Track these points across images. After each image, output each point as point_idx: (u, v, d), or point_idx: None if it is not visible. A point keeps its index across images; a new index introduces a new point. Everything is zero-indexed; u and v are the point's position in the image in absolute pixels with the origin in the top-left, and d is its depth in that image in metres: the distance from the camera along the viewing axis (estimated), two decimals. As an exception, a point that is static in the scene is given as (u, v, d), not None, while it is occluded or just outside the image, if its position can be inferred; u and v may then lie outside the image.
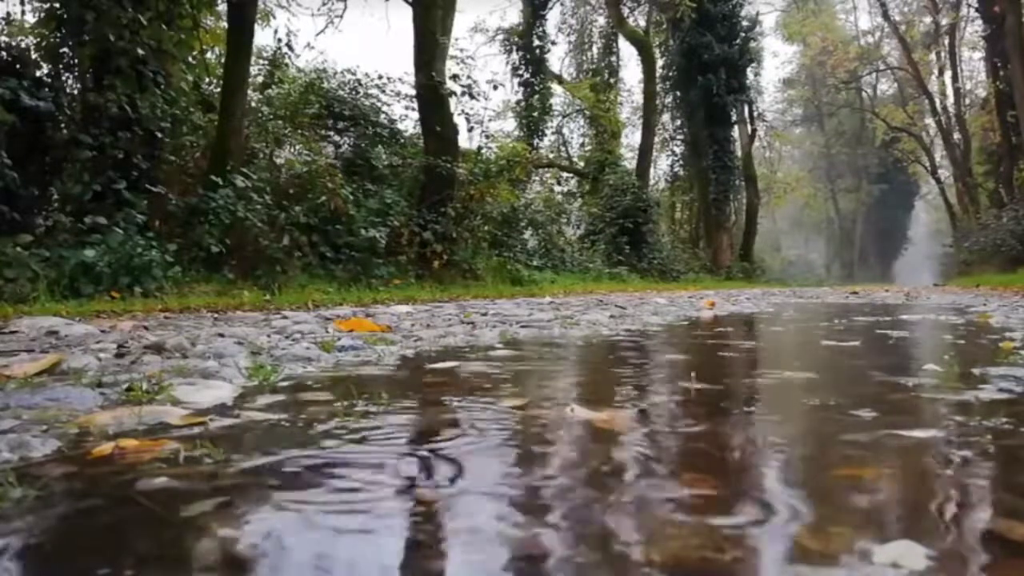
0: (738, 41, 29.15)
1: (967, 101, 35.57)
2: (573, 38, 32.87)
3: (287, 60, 14.86)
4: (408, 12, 13.76)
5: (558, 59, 32.78)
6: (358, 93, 14.68)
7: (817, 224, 63.03)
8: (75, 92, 8.69)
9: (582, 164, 28.54)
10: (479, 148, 15.32)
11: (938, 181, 40.65)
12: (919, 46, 36.38)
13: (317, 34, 37.06)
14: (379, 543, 0.87)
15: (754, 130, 35.01)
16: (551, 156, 28.90)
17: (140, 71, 8.42)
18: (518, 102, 26.80)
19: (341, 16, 18.61)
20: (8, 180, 7.12)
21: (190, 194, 9.33)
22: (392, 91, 15.15)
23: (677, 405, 1.87)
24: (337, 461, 1.22)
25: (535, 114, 26.11)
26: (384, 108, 14.99)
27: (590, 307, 7.16)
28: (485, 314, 5.76)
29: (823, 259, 63.87)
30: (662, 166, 34.86)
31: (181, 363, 2.34)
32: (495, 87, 16.48)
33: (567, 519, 0.94)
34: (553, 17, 30.07)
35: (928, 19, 36.63)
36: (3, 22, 9.15)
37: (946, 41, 35.04)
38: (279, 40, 14.75)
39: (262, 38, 22.14)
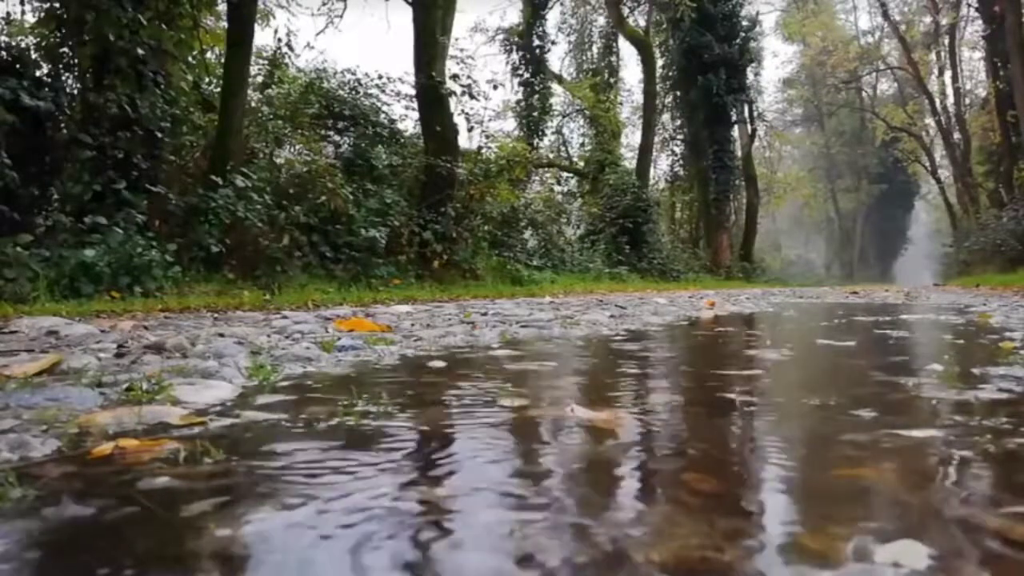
0: (738, 41, 29.15)
1: (967, 101, 35.58)
2: (573, 38, 32.88)
3: (287, 60, 14.85)
4: (408, 12, 13.76)
5: (558, 59, 32.82)
6: (358, 93, 14.67)
7: (817, 224, 63.04)
8: (75, 92, 8.69)
9: (582, 164, 28.52)
10: (479, 148, 15.30)
11: (938, 181, 40.66)
12: (919, 46, 36.38)
13: (317, 34, 37.04)
14: (379, 544, 0.87)
15: (754, 130, 35.02)
16: (551, 156, 28.87)
17: (140, 71, 8.42)
18: (518, 102, 26.77)
19: (341, 16, 18.61)
20: (8, 180, 7.12)
21: (190, 194, 9.33)
22: (392, 91, 15.15)
23: (677, 405, 1.87)
24: (337, 461, 1.22)
25: (535, 114, 26.10)
26: (384, 108, 14.99)
27: (590, 307, 7.16)
28: (485, 314, 5.76)
29: (823, 259, 63.90)
30: (662, 166, 34.90)
31: (181, 363, 2.34)
32: (495, 87, 16.46)
33: (564, 516, 0.94)
34: (553, 17, 30.08)
35: (928, 19, 36.66)
36: (3, 22, 9.15)
37: (946, 41, 35.05)
38: (279, 40, 14.76)
39: (262, 38, 22.18)
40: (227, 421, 1.54)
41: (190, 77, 11.16)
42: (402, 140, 15.15)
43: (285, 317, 5.12)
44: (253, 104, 12.42)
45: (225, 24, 11.45)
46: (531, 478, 1.14)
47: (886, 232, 57.72)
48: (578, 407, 1.67)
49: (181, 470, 1.15)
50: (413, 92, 14.27)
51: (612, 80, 31.34)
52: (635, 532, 0.90)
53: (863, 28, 49.26)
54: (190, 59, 11.33)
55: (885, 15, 38.04)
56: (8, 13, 9.40)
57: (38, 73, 8.26)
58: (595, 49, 32.49)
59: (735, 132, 31.37)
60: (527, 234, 18.49)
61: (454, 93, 13.81)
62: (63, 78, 8.67)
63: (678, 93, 30.88)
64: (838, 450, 1.32)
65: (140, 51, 8.35)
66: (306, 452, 1.29)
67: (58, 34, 8.53)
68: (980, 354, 3.01)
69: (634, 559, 0.81)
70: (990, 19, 25.81)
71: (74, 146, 7.99)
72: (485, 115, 15.57)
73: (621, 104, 32.27)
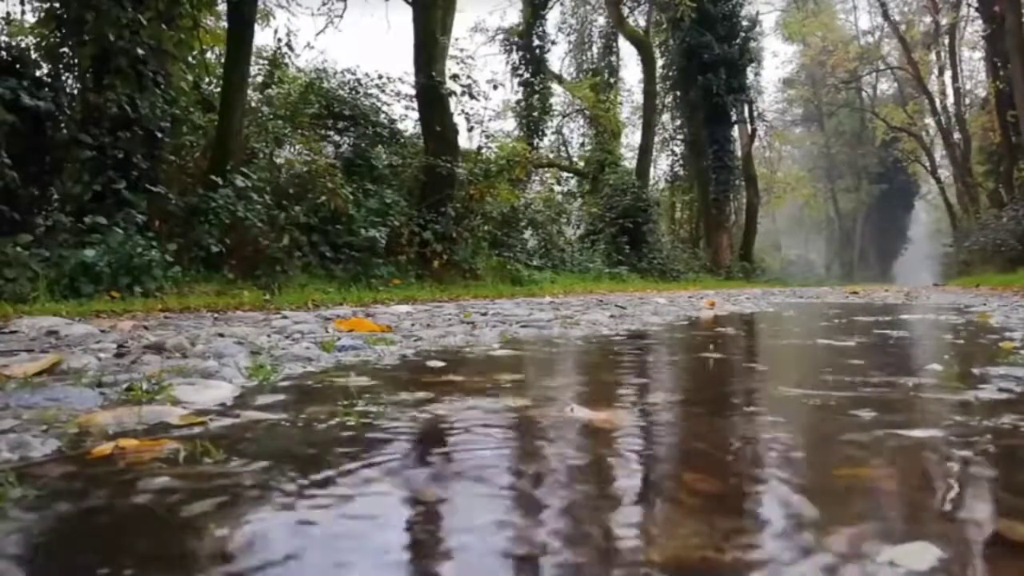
0: (738, 41, 29.15)
1: (967, 101, 35.60)
2: (573, 38, 32.90)
3: (287, 60, 14.84)
4: (408, 12, 13.77)
5: (558, 59, 32.82)
6: (358, 93, 14.66)
7: (817, 224, 63.06)
8: (75, 92, 8.69)
9: (582, 164, 28.52)
10: (479, 148, 15.31)
11: (938, 181, 40.67)
12: (919, 46, 36.39)
13: (317, 34, 37.03)
14: (378, 545, 0.87)
15: (754, 130, 35.02)
16: (551, 156, 28.87)
17: (140, 71, 8.42)
18: (518, 102, 26.77)
19: (341, 16, 18.60)
20: (8, 180, 7.11)
21: (190, 194, 9.33)
22: (392, 91, 15.14)
23: (676, 405, 1.87)
24: (337, 462, 1.22)
25: (535, 114, 26.09)
26: (384, 108, 14.99)
27: (590, 307, 7.16)
28: (485, 314, 5.76)
29: (823, 259, 63.91)
30: (662, 166, 34.91)
31: (181, 363, 2.34)
32: (495, 87, 16.48)
33: (564, 517, 0.94)
34: (553, 17, 30.06)
35: (928, 19, 36.66)
36: (3, 22, 9.15)
37: (946, 41, 35.06)
38: (279, 40, 14.74)
39: (262, 38, 22.19)
40: (227, 421, 1.54)
41: (190, 77, 11.16)
42: (402, 140, 15.15)
43: (285, 317, 5.12)
44: (253, 104, 12.42)
45: (225, 24, 11.45)
46: (530, 478, 1.14)
47: (886, 232, 57.71)
48: (578, 407, 1.67)
49: (181, 470, 1.15)
50: (413, 92, 14.28)
51: (612, 80, 31.34)
52: (634, 532, 0.90)
53: (863, 28, 49.34)
54: (190, 59, 11.33)
55: (885, 15, 38.06)
56: (8, 13, 9.42)
57: (38, 73, 8.26)
58: (595, 49, 32.51)
59: (735, 132, 31.37)
60: (527, 234, 18.49)
61: (454, 93, 13.82)
62: (63, 78, 8.66)
63: (678, 93, 30.89)
64: (838, 450, 1.32)
65: (140, 51, 8.35)
66: (306, 452, 1.29)
67: (58, 34, 8.52)
68: (980, 354, 3.01)
69: (634, 559, 0.81)
70: (990, 19, 25.80)
71: (74, 146, 7.99)
72: (485, 115, 15.61)
73: (621, 104, 32.28)
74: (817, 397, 1.89)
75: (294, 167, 11.66)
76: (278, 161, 12.21)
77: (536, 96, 26.26)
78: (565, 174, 29.36)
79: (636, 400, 1.90)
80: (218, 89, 11.34)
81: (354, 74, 14.88)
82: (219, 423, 1.51)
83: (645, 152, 27.74)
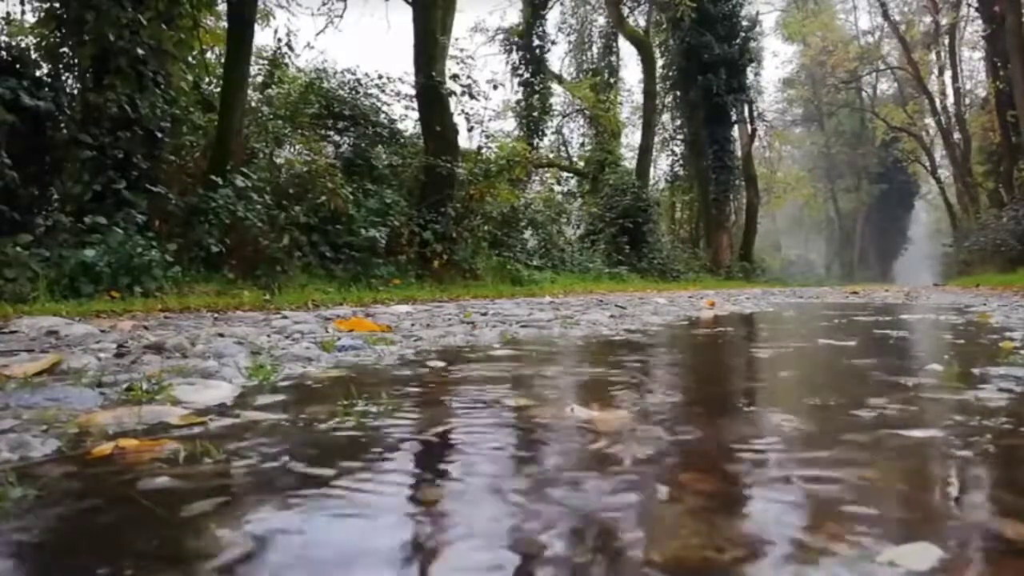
0: (738, 41, 29.16)
1: (967, 101, 35.60)
2: (573, 38, 32.89)
3: (287, 60, 14.85)
4: (408, 12, 13.77)
5: (558, 59, 32.82)
6: (358, 93, 14.66)
7: (817, 224, 63.07)
8: (75, 92, 8.68)
9: (582, 164, 28.53)
10: (479, 148, 15.31)
11: (938, 181, 40.69)
12: (919, 46, 36.40)
13: (317, 34, 37.03)
14: (378, 545, 0.87)
15: (754, 130, 35.03)
16: (551, 156, 28.87)
17: (140, 71, 8.42)
18: (518, 102, 26.77)
19: (341, 16, 18.62)
20: (8, 180, 7.11)
21: (190, 194, 9.33)
22: (392, 91, 15.14)
23: (676, 405, 1.87)
24: (337, 462, 1.22)
25: (535, 114, 26.09)
26: (384, 108, 14.99)
27: (590, 307, 7.16)
28: (485, 314, 5.76)
29: (823, 259, 63.92)
30: (662, 166, 34.91)
31: (181, 363, 2.34)
32: (495, 87, 16.49)
33: (564, 517, 0.94)
34: (553, 17, 30.07)
35: (928, 19, 36.67)
36: (3, 22, 9.15)
37: (946, 41, 35.07)
38: (279, 40, 14.75)
39: (262, 38, 22.17)
40: (227, 421, 1.54)
41: (190, 77, 11.16)
42: (402, 140, 15.15)
43: (285, 317, 5.12)
44: (253, 104, 12.41)
45: (225, 24, 11.45)
46: (531, 479, 1.14)
47: (886, 232, 57.73)
48: (578, 407, 1.67)
49: (181, 470, 1.15)
50: (413, 92, 14.28)
51: (612, 80, 31.34)
52: (635, 532, 0.90)
53: (863, 28, 49.34)
54: (190, 59, 11.33)
55: (885, 15, 38.08)
56: (8, 13, 9.41)
57: (38, 73, 8.25)
58: (595, 49, 32.51)
59: (735, 132, 31.38)
60: (527, 234, 18.49)
61: (454, 93, 13.82)
62: (63, 78, 8.66)
63: (678, 93, 30.89)
64: (838, 450, 1.32)
65: (140, 51, 8.35)
66: (306, 452, 1.29)
67: (58, 34, 8.52)
68: (980, 354, 3.01)
69: (634, 559, 0.81)
70: (990, 19, 25.81)
71: (74, 146, 7.99)
72: (485, 115, 15.61)
73: (621, 104, 32.28)
74: (817, 397, 1.89)
75: (294, 167, 11.66)
76: (278, 161, 12.21)
77: (536, 96, 26.25)
78: (565, 174, 29.37)
79: (637, 400, 1.90)
80: (218, 89, 11.34)
81: (354, 74, 14.89)
82: (219, 423, 1.51)
83: (645, 152, 27.75)
